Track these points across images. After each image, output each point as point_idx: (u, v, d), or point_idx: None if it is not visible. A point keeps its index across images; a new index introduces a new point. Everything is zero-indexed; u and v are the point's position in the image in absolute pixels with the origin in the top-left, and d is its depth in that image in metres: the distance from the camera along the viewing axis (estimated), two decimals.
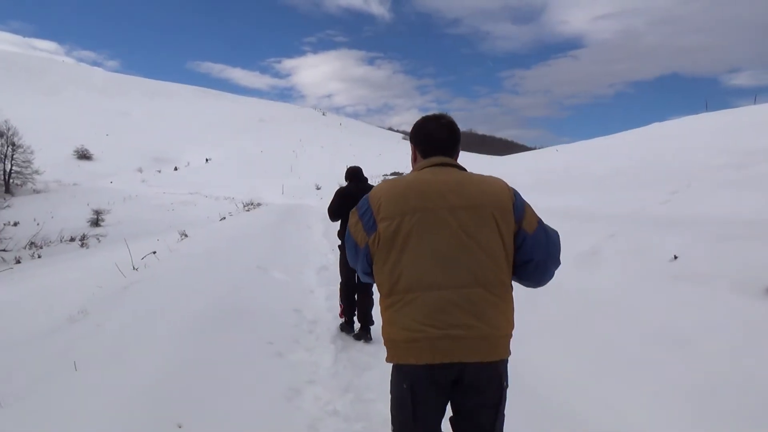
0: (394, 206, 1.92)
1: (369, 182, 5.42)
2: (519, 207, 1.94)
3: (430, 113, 2.18)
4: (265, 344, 4.43)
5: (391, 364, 2.02)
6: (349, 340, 5.08)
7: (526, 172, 19.45)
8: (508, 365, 1.97)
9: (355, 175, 5.43)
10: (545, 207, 9.81)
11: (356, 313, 5.29)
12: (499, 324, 1.87)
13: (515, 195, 1.97)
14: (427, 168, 2.04)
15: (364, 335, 5.11)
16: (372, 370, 4.16)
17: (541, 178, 16.71)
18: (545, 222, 2.01)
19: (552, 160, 23.90)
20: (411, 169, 2.20)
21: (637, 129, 30.05)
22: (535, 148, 79.57)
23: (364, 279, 2.17)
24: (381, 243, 1.92)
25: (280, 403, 3.45)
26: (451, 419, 2.03)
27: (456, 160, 2.11)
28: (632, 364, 3.73)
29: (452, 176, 1.99)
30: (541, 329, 4.59)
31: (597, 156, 20.44)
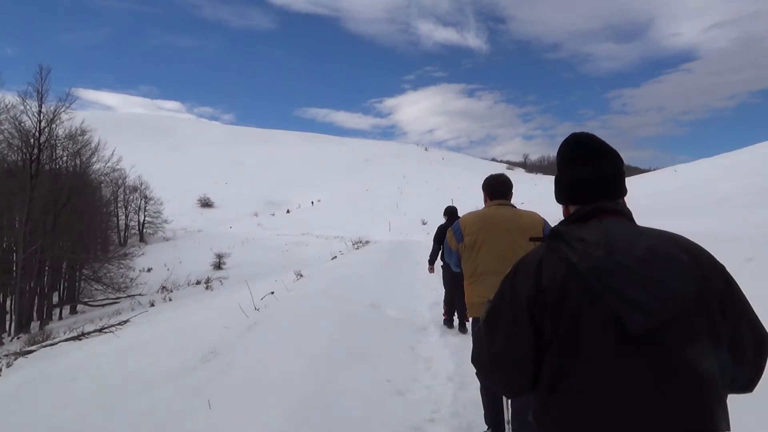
0: (473, 227, 3.30)
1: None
2: (546, 229, 3.12)
3: (494, 173, 3.54)
4: (384, 382, 4.43)
5: None
6: (466, 377, 4.96)
7: (643, 196, 18.38)
8: None
9: (452, 213, 7.27)
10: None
11: (455, 313, 6.99)
12: None
13: (545, 223, 3.20)
14: (493, 206, 3.35)
15: (462, 328, 6.74)
16: None
17: (662, 201, 15.71)
18: None
19: (671, 182, 22.47)
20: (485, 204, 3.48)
21: (766, 142, 27.63)
22: (649, 170, 75.05)
23: (455, 269, 3.53)
24: (466, 248, 3.31)
25: None
26: None
27: (510, 201, 3.38)
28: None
29: (508, 211, 3.28)
30: None
31: (721, 174, 18.96)
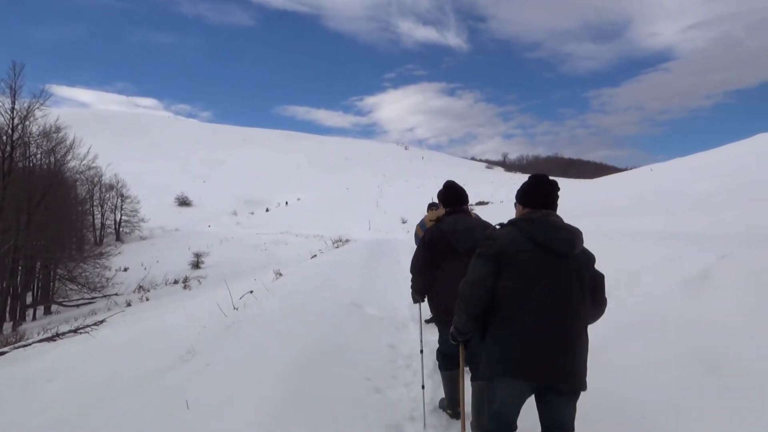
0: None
1: None
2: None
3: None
4: (363, 380, 4.44)
5: None
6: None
7: (620, 195, 18.65)
8: None
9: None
10: (645, 231, 9.33)
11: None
12: None
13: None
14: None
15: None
16: None
17: (638, 200, 15.93)
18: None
19: (647, 180, 22.80)
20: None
21: (741, 141, 28.23)
22: (626, 169, 76.08)
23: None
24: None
25: None
26: None
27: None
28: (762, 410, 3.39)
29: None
30: (647, 365, 4.30)
31: (697, 173, 19.31)
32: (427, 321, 6.85)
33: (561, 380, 2.48)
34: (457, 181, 4.08)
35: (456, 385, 3.56)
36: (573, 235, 2.58)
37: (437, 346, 4.03)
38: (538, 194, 2.67)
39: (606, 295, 2.74)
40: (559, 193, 2.72)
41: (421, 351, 4.42)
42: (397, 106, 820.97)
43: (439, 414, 3.99)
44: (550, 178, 2.73)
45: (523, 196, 2.72)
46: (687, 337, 4.48)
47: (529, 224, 2.57)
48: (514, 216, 2.78)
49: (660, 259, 6.55)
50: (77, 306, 25.25)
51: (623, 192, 19.74)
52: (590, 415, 3.67)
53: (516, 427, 2.67)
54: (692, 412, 3.50)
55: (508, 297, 2.50)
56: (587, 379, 2.61)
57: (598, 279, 2.68)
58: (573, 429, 2.63)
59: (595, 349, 4.57)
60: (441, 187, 4.08)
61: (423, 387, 4.10)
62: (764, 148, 20.76)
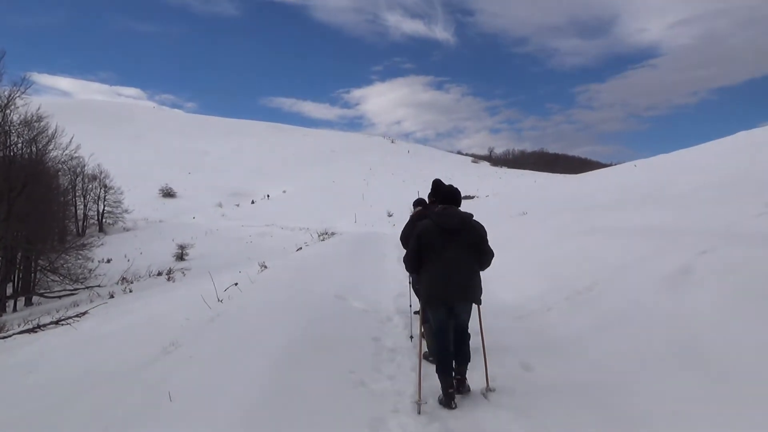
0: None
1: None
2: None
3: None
4: (347, 373, 4.45)
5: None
6: (430, 367, 5.01)
7: (603, 190, 18.79)
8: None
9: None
10: (628, 226, 9.42)
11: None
12: None
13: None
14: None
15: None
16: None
17: (620, 195, 16.06)
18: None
19: (630, 177, 23.00)
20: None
21: (723, 139, 28.56)
22: (611, 165, 76.56)
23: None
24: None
25: None
26: None
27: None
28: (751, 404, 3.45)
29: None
30: (628, 358, 4.35)
31: (680, 169, 19.51)
32: (416, 312, 6.88)
33: (459, 300, 4.22)
34: (443, 176, 4.65)
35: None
36: (460, 219, 4.25)
37: (423, 333, 4.96)
38: (445, 197, 4.41)
39: (490, 247, 4.37)
40: (460, 194, 4.50)
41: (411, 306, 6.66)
42: (384, 99, 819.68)
43: (423, 407, 4.00)
44: (452, 185, 4.56)
45: (439, 199, 4.51)
46: (668, 330, 4.54)
47: (437, 216, 4.29)
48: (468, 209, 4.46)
49: (642, 254, 6.62)
50: (59, 297, 24.93)
51: (607, 187, 19.90)
52: (572, 408, 3.72)
53: (450, 341, 4.27)
54: (673, 404, 3.55)
55: (427, 260, 4.23)
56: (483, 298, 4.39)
57: (483, 243, 4.31)
58: (467, 325, 4.33)
59: (580, 342, 4.60)
60: (429, 184, 5.36)
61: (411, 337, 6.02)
62: (746, 146, 21.01)
